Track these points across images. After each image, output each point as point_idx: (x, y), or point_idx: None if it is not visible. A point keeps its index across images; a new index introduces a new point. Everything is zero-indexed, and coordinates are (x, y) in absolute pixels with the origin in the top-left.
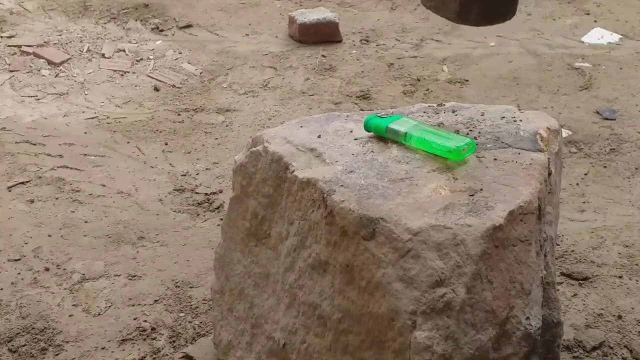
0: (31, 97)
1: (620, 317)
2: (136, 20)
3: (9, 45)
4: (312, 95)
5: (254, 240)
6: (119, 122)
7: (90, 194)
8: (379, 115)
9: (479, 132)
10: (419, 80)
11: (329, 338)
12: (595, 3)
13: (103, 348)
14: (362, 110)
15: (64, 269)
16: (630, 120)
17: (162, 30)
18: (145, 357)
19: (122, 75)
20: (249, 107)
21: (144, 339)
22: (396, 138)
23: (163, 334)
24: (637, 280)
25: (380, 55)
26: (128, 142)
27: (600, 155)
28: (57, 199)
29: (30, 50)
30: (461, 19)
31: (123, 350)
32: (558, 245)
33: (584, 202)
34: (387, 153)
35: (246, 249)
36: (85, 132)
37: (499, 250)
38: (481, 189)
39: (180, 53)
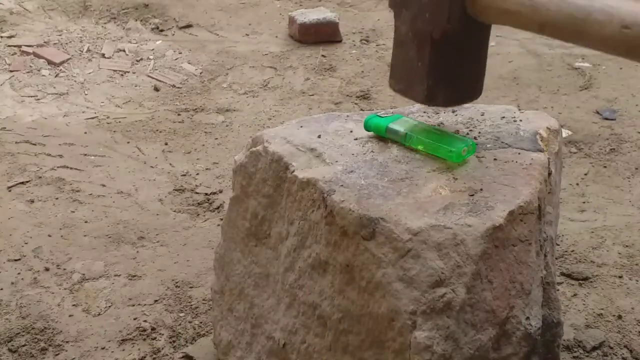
0: (31, 97)
1: (620, 317)
2: (136, 20)
3: (9, 45)
4: (312, 95)
5: (254, 240)
6: (119, 122)
7: (90, 194)
8: (379, 115)
9: (479, 132)
10: None
11: (329, 338)
12: None
13: (103, 348)
14: (362, 110)
15: (64, 269)
16: (630, 120)
17: (162, 30)
18: (145, 357)
19: (122, 75)
20: (249, 107)
21: (144, 339)
22: (396, 138)
23: (163, 334)
24: (637, 280)
25: (380, 55)
26: (128, 142)
27: (600, 155)
28: (57, 199)
29: (30, 50)
30: (429, 102)
31: (123, 350)
32: (558, 245)
33: (584, 202)
34: (387, 153)
35: (246, 249)
36: (85, 132)
37: (499, 250)
38: (481, 189)
39: (180, 53)
